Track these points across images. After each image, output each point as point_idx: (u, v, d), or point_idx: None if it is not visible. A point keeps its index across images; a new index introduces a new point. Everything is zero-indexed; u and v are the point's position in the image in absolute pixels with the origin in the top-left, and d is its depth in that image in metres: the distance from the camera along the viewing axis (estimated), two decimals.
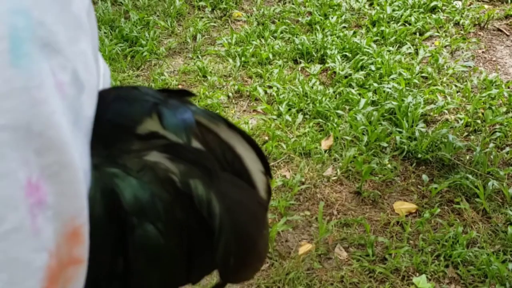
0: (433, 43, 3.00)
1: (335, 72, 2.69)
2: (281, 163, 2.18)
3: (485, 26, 3.15)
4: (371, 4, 3.36)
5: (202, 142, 0.51)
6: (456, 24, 3.18)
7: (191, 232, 0.51)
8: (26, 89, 0.35)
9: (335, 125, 2.31)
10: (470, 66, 2.78)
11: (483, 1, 3.41)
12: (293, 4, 3.37)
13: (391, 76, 2.61)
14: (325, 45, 2.86)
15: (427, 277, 1.72)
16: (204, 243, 0.52)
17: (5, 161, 0.33)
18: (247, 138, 0.54)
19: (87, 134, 0.45)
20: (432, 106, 2.43)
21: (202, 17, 3.28)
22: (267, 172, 0.56)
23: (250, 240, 0.54)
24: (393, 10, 3.20)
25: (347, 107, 2.45)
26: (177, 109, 0.50)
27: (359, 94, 2.50)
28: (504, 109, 2.43)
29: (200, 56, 2.91)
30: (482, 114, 2.41)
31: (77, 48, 0.43)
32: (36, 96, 0.35)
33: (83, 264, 0.41)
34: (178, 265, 0.51)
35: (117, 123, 0.49)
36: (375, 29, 3.03)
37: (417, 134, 2.24)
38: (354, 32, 3.00)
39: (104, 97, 0.50)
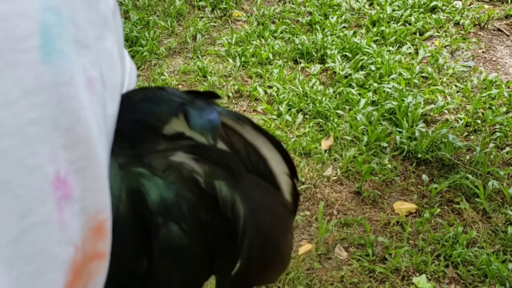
0: (433, 43, 3.00)
1: (335, 72, 2.69)
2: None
3: (485, 26, 3.15)
4: (371, 4, 3.36)
5: (227, 143, 0.51)
6: (456, 24, 3.18)
7: (215, 234, 0.51)
8: (56, 85, 0.35)
9: (335, 125, 2.31)
10: (470, 66, 2.78)
11: (483, 1, 3.41)
12: (293, 4, 3.37)
13: (391, 76, 2.61)
14: (325, 45, 2.86)
15: (427, 277, 1.72)
16: (228, 245, 0.52)
17: (35, 155, 0.34)
18: (272, 140, 0.54)
19: (109, 131, 0.46)
20: (432, 106, 2.43)
21: (202, 17, 3.28)
22: (293, 174, 0.55)
23: (274, 243, 0.54)
24: (393, 10, 3.20)
25: (347, 107, 2.45)
26: (204, 110, 0.50)
27: (359, 94, 2.50)
28: (504, 109, 2.43)
29: (200, 56, 2.91)
30: (482, 114, 2.41)
31: (103, 46, 0.44)
32: (66, 92, 0.36)
33: (105, 258, 0.41)
34: (201, 266, 0.52)
35: (144, 122, 0.49)
36: (375, 29, 3.03)
37: (417, 134, 2.24)
38: (354, 32, 3.00)
39: (131, 97, 0.51)
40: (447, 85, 2.63)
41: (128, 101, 0.50)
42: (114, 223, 0.44)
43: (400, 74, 2.62)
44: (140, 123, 0.49)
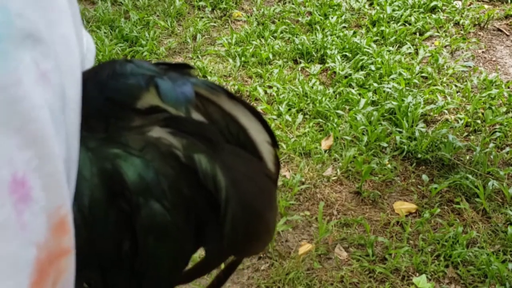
0: (433, 43, 3.00)
1: (335, 72, 2.69)
2: (281, 163, 2.18)
3: (485, 26, 3.15)
4: (371, 4, 3.36)
5: (204, 114, 0.50)
6: (456, 24, 3.18)
7: (198, 207, 0.51)
8: (3, 88, 0.35)
9: (335, 125, 2.31)
10: (470, 66, 2.78)
11: (483, 1, 3.41)
12: (293, 4, 3.37)
13: (391, 76, 2.61)
14: (325, 45, 2.86)
15: (427, 277, 1.72)
16: (212, 218, 0.51)
17: None
18: (251, 109, 0.53)
19: (76, 116, 0.45)
20: (432, 106, 2.43)
21: (202, 17, 3.28)
22: (274, 143, 0.54)
23: (258, 213, 0.53)
24: (393, 10, 3.20)
25: (347, 107, 2.45)
26: (176, 82, 0.49)
27: (359, 94, 2.50)
28: (504, 109, 2.43)
29: (200, 56, 2.91)
30: (482, 114, 2.41)
31: (57, 32, 0.43)
32: (14, 94, 0.35)
33: (71, 254, 0.41)
34: (186, 241, 0.51)
35: (115, 100, 0.48)
36: (375, 29, 3.03)
37: (417, 134, 2.24)
38: (354, 32, 3.00)
39: (98, 73, 0.49)
40: (447, 85, 2.63)
41: (96, 78, 0.49)
42: (91, 208, 0.43)
43: (400, 74, 2.62)
44: (111, 101, 0.48)
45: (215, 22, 3.24)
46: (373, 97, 2.48)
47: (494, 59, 2.88)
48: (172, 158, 0.48)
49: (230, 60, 2.84)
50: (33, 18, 0.39)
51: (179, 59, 2.92)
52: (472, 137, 2.31)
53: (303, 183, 2.07)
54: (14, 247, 0.35)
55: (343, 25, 3.13)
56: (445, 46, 2.95)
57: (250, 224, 0.53)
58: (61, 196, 0.39)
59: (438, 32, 3.06)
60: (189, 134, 0.49)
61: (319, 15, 3.20)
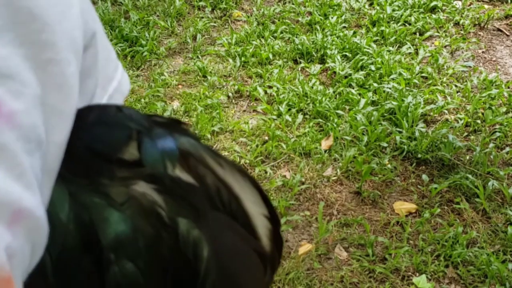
0: (433, 43, 3.00)
1: (335, 72, 2.69)
2: (281, 163, 2.18)
3: (485, 26, 3.15)
4: (371, 4, 3.36)
5: (195, 176, 0.47)
6: (456, 24, 3.18)
7: (177, 271, 0.46)
8: None
9: (335, 125, 2.31)
10: (470, 66, 2.78)
11: (483, 1, 3.41)
12: (293, 4, 3.37)
13: (391, 76, 2.61)
14: (325, 45, 2.86)
15: (427, 277, 1.72)
16: (191, 284, 0.47)
17: None
18: (249, 178, 0.49)
19: (55, 161, 0.43)
20: (432, 106, 2.43)
21: (202, 17, 3.28)
22: (273, 218, 0.50)
23: None
24: (393, 10, 3.20)
25: (347, 107, 2.45)
26: (159, 138, 0.46)
27: (359, 94, 2.50)
28: (504, 109, 2.43)
29: (200, 56, 2.91)
30: (482, 114, 2.41)
31: (52, 70, 0.41)
32: None
33: None
34: None
35: (95, 150, 0.45)
36: (375, 29, 3.03)
37: (417, 134, 2.24)
38: (354, 32, 3.00)
39: (83, 118, 0.46)
40: (447, 85, 2.63)
41: (80, 122, 0.46)
42: (62, 254, 0.41)
43: (400, 74, 2.62)
44: (92, 150, 0.45)
45: (215, 22, 3.24)
46: (373, 97, 2.48)
47: (494, 59, 2.88)
48: (154, 216, 0.45)
49: (230, 60, 2.84)
50: (1, 54, 0.37)
51: (179, 59, 2.92)
52: (472, 137, 2.31)
53: (303, 183, 2.08)
54: None
55: (343, 25, 3.13)
56: (445, 46, 2.95)
57: None
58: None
59: (438, 32, 3.06)
60: (174, 195, 0.45)
61: (319, 15, 3.20)
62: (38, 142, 0.40)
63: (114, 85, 0.55)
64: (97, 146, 0.45)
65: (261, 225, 0.50)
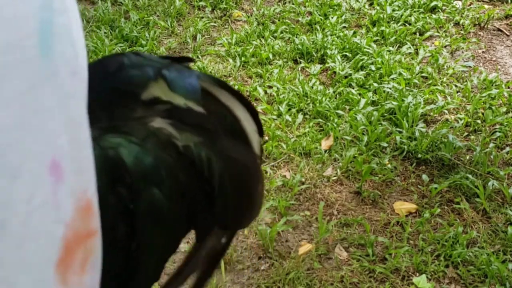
0: (433, 43, 3.00)
1: (335, 72, 2.69)
2: (281, 163, 2.18)
3: (485, 26, 3.15)
4: (371, 4, 3.36)
5: (204, 105, 0.54)
6: (456, 24, 3.18)
7: (193, 193, 0.54)
8: (53, 75, 0.37)
9: (335, 125, 2.31)
10: (470, 66, 2.78)
11: (483, 1, 3.41)
12: (293, 4, 3.37)
13: (391, 76, 2.61)
14: (325, 45, 2.86)
15: (427, 277, 1.72)
16: (205, 203, 0.55)
17: (33, 142, 0.36)
18: (244, 101, 0.57)
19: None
20: (432, 106, 2.43)
21: (202, 17, 3.28)
22: (260, 132, 0.60)
23: (247, 193, 0.59)
24: (393, 10, 3.20)
25: (347, 107, 2.45)
26: (183, 74, 0.52)
27: (359, 94, 2.50)
28: (504, 109, 2.43)
29: (200, 56, 2.91)
30: (482, 114, 2.41)
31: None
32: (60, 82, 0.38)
33: (97, 235, 0.43)
34: (180, 225, 0.54)
35: (123, 90, 0.51)
36: (375, 29, 3.03)
37: (417, 134, 2.24)
38: (354, 32, 3.00)
39: (107, 65, 0.51)
40: (447, 85, 2.63)
41: (104, 69, 0.51)
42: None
43: (400, 74, 2.62)
44: (118, 90, 0.51)
45: (215, 22, 3.24)
46: (373, 97, 2.48)
47: (494, 59, 2.88)
48: (171, 147, 0.51)
49: (230, 60, 2.84)
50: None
51: None
52: (472, 137, 2.31)
53: (303, 183, 2.07)
54: (50, 224, 0.37)
55: (343, 25, 3.13)
56: (445, 46, 2.95)
57: (240, 202, 0.58)
58: (88, 180, 0.41)
59: (438, 32, 3.06)
60: (188, 125, 0.52)
61: (319, 15, 3.20)
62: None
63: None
64: (124, 86, 0.51)
65: (255, 139, 0.60)
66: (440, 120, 2.41)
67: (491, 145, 2.21)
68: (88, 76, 0.48)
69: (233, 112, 0.56)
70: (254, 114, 0.59)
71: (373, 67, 2.68)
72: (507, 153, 2.20)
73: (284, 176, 2.12)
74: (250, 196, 0.60)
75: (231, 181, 0.54)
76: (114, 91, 0.50)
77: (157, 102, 0.51)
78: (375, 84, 2.55)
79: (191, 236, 0.61)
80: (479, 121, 2.36)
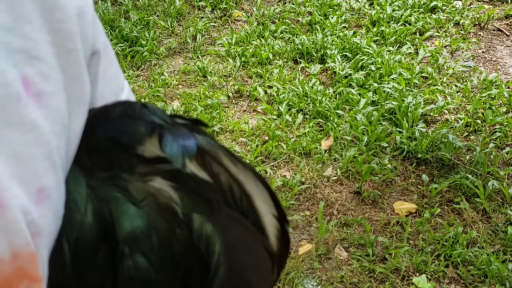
0: (433, 43, 3.00)
1: (335, 72, 2.69)
2: (281, 163, 2.18)
3: (485, 26, 3.15)
4: (371, 4, 3.36)
5: (210, 173, 0.48)
6: (456, 24, 3.18)
7: (188, 266, 0.48)
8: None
9: (335, 125, 2.31)
10: (470, 66, 2.78)
11: (483, 1, 3.41)
12: (293, 4, 3.37)
13: (391, 76, 2.61)
14: (325, 45, 2.86)
15: (427, 277, 1.72)
16: (201, 279, 0.49)
17: None
18: (260, 178, 0.51)
19: (72, 148, 0.45)
20: (432, 106, 2.43)
21: (202, 17, 3.28)
22: (281, 217, 0.52)
23: (248, 285, 0.50)
24: (393, 10, 3.20)
25: (347, 107, 2.45)
26: (180, 135, 0.48)
27: (359, 94, 2.50)
28: (504, 109, 2.43)
29: (200, 56, 2.91)
30: (482, 114, 2.41)
31: (67, 59, 0.43)
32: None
33: (42, 283, 0.40)
34: None
35: (118, 141, 0.47)
36: (375, 29, 3.03)
37: (417, 134, 2.24)
38: (354, 32, 3.00)
39: (109, 112, 0.49)
40: (447, 85, 2.63)
41: (105, 116, 0.48)
42: (79, 242, 0.43)
43: (400, 74, 2.62)
44: (115, 141, 0.47)
45: (215, 22, 3.24)
46: (373, 97, 2.48)
47: (494, 59, 2.88)
48: (169, 212, 0.47)
49: (230, 60, 2.84)
50: (33, 37, 0.39)
51: (179, 59, 2.92)
52: (472, 137, 2.31)
53: (303, 183, 2.07)
54: None
55: (343, 25, 3.13)
56: (445, 46, 2.95)
57: None
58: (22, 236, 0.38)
59: (438, 32, 3.06)
60: (190, 191, 0.47)
61: (319, 15, 3.20)
62: (63, 125, 0.42)
63: (126, 93, 0.57)
64: (121, 137, 0.47)
65: (270, 224, 0.51)
66: (440, 120, 2.41)
67: (491, 145, 2.21)
68: (90, 122, 0.46)
69: (243, 186, 0.50)
70: (272, 194, 0.51)
71: (373, 67, 2.68)
72: (507, 153, 2.20)
73: (284, 176, 2.12)
74: None
75: (230, 265, 0.47)
76: (110, 140, 0.47)
77: (159, 160, 0.47)
78: (375, 84, 2.55)
79: None
80: (479, 121, 2.36)
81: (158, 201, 0.46)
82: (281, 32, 3.06)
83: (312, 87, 2.56)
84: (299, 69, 2.76)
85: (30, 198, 0.38)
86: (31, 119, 0.38)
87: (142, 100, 2.54)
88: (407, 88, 2.54)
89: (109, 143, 0.47)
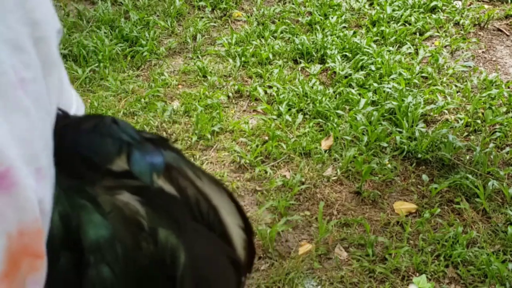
0: (433, 43, 3.00)
1: (335, 72, 2.69)
2: (281, 163, 2.18)
3: (485, 26, 3.15)
4: (371, 4, 3.36)
5: (177, 188, 0.49)
6: (456, 24, 3.18)
7: (154, 280, 0.48)
8: None
9: (335, 125, 2.31)
10: (470, 66, 2.78)
11: (483, 1, 3.41)
12: (293, 4, 3.37)
13: (391, 76, 2.61)
14: (325, 45, 2.86)
15: (427, 277, 1.72)
16: None
17: None
18: (226, 191, 0.52)
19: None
20: (432, 106, 2.43)
21: (202, 17, 3.28)
22: (247, 228, 0.53)
23: None
24: (393, 10, 3.20)
25: (347, 107, 2.45)
26: (148, 152, 0.48)
27: (359, 94, 2.50)
28: (504, 109, 2.43)
29: (200, 56, 2.91)
30: (482, 114, 2.41)
31: (44, 51, 0.45)
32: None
33: (44, 260, 0.41)
34: None
35: (86, 157, 0.48)
36: (375, 29, 3.03)
37: (417, 134, 2.24)
38: (354, 32, 3.00)
39: (79, 126, 0.49)
40: (447, 85, 2.63)
41: (76, 129, 0.49)
42: (46, 247, 0.43)
43: (400, 74, 2.62)
44: (83, 157, 0.48)
45: (215, 22, 3.24)
46: (373, 97, 2.48)
47: (494, 59, 2.88)
48: (135, 225, 0.47)
49: (230, 60, 2.84)
50: (15, 28, 0.41)
51: (179, 59, 2.92)
52: (472, 137, 2.31)
53: (303, 183, 2.07)
54: None
55: (343, 25, 3.13)
56: (445, 46, 2.95)
57: None
58: (43, 191, 0.40)
59: (438, 32, 3.06)
60: (157, 206, 0.48)
61: (319, 15, 3.20)
62: (47, 111, 0.43)
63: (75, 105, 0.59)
64: (90, 155, 0.48)
65: (237, 235, 0.53)
66: (440, 120, 2.41)
67: (491, 145, 2.21)
68: (60, 130, 0.47)
69: (210, 199, 0.51)
70: (237, 206, 0.53)
71: (373, 67, 2.68)
72: (507, 153, 2.20)
73: (284, 176, 2.12)
74: None
75: (194, 278, 0.48)
76: (78, 156, 0.48)
77: (127, 175, 0.47)
78: (375, 84, 2.55)
79: None
80: (479, 121, 2.36)
81: (125, 214, 0.47)
82: (281, 32, 3.06)
83: (312, 87, 2.56)
84: (299, 69, 2.76)
85: (33, 177, 0.40)
86: (26, 104, 0.40)
87: (142, 100, 2.54)
88: (407, 88, 2.54)
89: (78, 159, 0.48)
